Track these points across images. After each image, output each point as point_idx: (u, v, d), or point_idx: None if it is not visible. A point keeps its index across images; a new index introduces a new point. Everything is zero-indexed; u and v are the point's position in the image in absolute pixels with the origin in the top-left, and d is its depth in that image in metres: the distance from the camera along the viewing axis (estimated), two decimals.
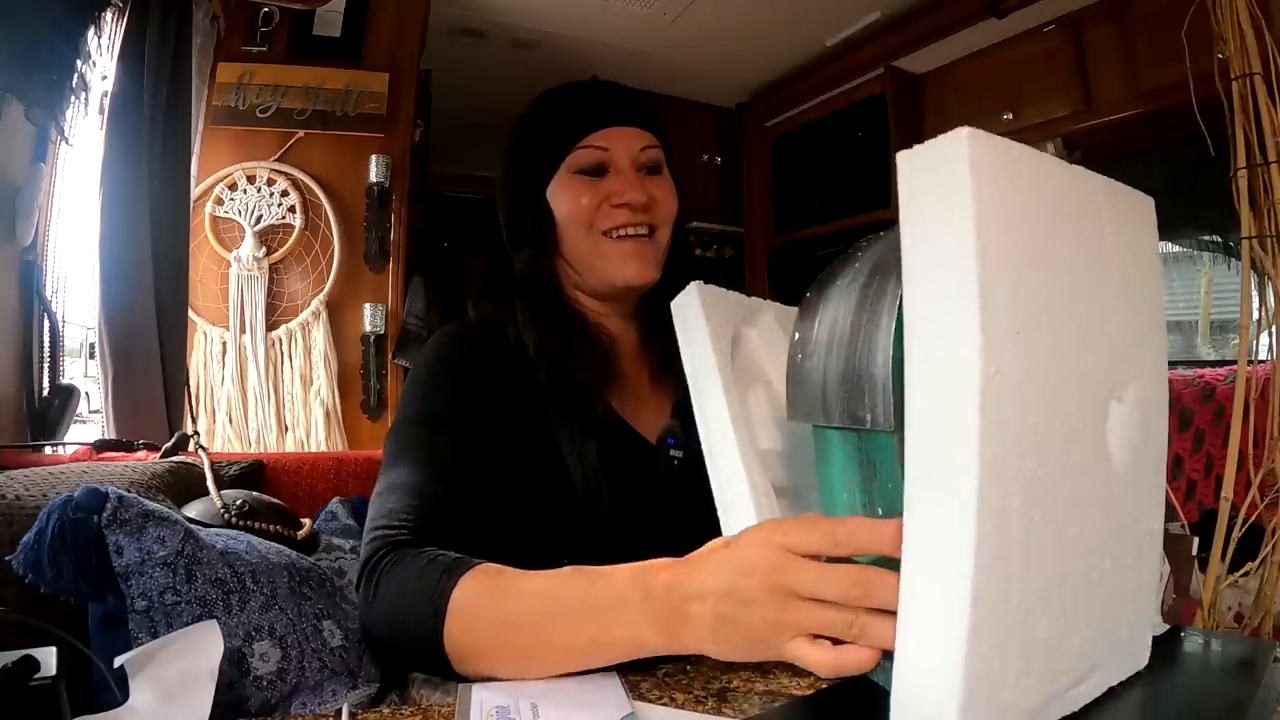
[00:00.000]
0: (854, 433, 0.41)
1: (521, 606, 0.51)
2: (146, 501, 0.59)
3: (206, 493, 0.90)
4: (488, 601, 0.52)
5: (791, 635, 0.40)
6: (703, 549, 0.46)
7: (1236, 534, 1.03)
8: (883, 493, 0.40)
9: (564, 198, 0.76)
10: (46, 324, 1.39)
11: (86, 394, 1.58)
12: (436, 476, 0.63)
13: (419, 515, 0.60)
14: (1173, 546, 0.53)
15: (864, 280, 0.42)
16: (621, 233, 0.75)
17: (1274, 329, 1.06)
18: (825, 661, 0.39)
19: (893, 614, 0.35)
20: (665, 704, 0.49)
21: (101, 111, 1.52)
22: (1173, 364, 2.00)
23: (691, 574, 0.45)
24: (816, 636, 0.39)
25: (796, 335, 0.45)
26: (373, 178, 2.07)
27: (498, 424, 0.68)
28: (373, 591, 0.56)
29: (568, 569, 0.52)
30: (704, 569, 0.44)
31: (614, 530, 0.67)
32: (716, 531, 0.50)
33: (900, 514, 0.35)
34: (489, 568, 0.54)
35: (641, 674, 0.53)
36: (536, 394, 0.71)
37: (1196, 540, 0.66)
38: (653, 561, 0.48)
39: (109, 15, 1.46)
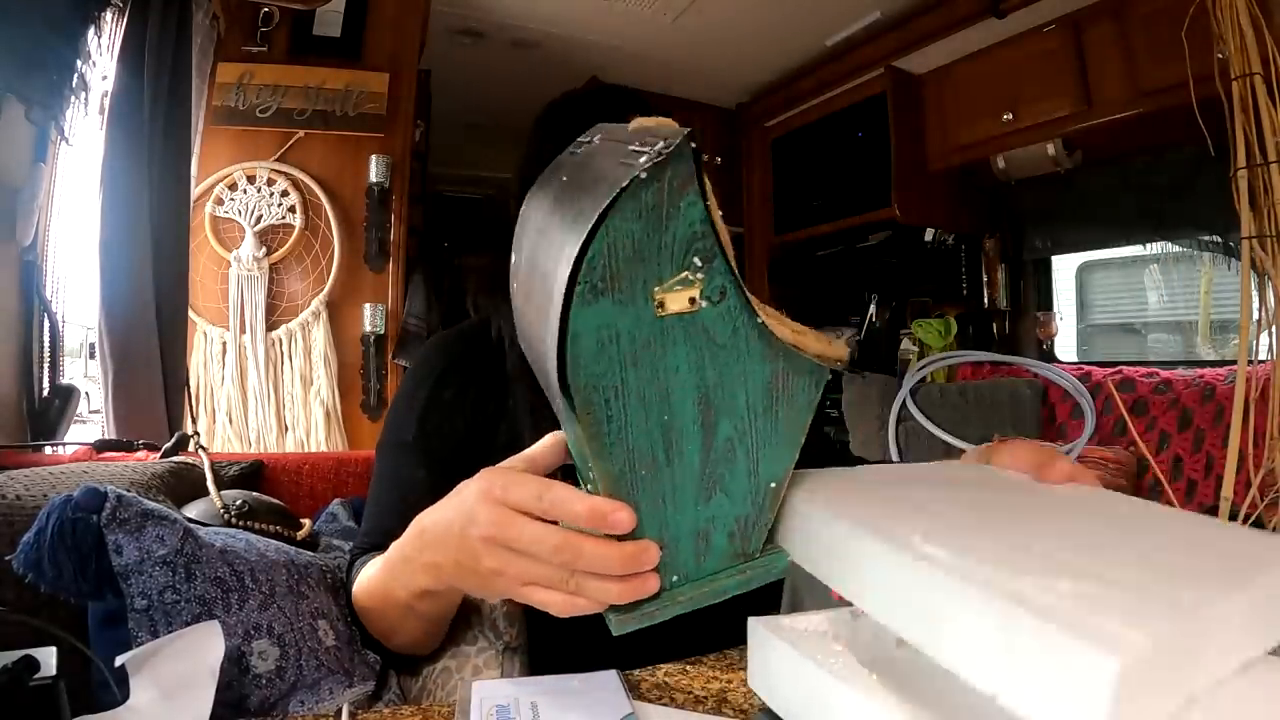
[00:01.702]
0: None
1: (359, 591, 0.62)
2: (146, 501, 0.59)
3: (206, 493, 0.90)
4: (358, 590, 0.63)
5: (520, 584, 0.42)
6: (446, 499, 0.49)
7: None
8: (584, 469, 0.40)
9: None
10: (46, 324, 1.39)
11: (86, 394, 1.58)
12: (403, 509, 0.68)
13: (377, 539, 0.67)
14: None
15: (561, 210, 0.36)
16: None
17: (1274, 329, 1.06)
18: (557, 606, 0.41)
19: (602, 575, 0.39)
20: (665, 704, 0.49)
21: (101, 111, 1.52)
22: (1173, 364, 2.00)
23: (430, 522, 0.49)
24: None
25: (513, 250, 0.42)
26: (373, 178, 2.07)
27: (462, 439, 0.72)
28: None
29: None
30: (440, 515, 0.48)
31: None
32: None
33: (606, 492, 0.37)
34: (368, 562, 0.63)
35: (641, 674, 0.53)
36: (508, 390, 0.74)
37: None
38: (410, 527, 0.53)
39: (109, 15, 1.46)
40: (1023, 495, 0.44)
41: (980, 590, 0.28)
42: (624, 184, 0.31)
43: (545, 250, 0.36)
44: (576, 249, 0.32)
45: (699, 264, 0.35)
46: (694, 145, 0.33)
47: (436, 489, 0.69)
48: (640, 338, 0.35)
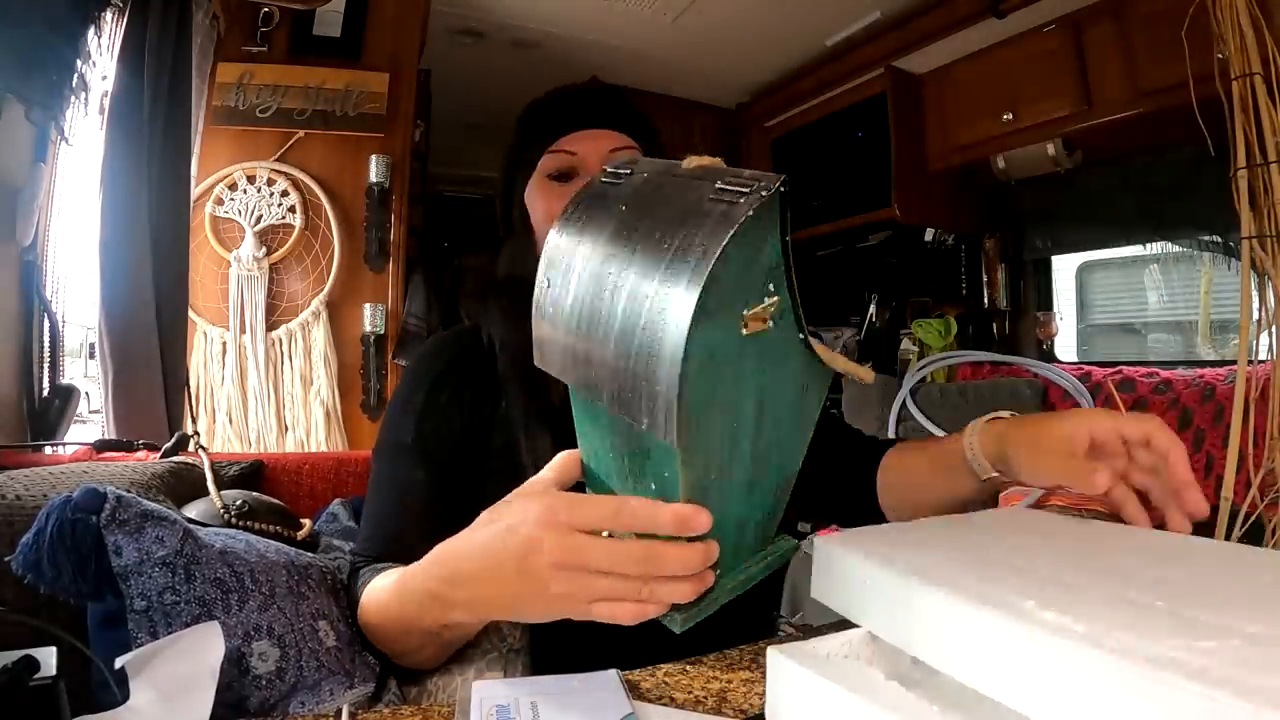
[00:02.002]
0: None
1: (370, 610, 0.62)
2: (145, 501, 0.59)
3: (206, 493, 0.90)
4: (368, 608, 0.63)
5: (589, 602, 0.43)
6: (473, 533, 0.48)
7: (1236, 534, 1.03)
8: (655, 476, 0.41)
9: (536, 202, 0.79)
10: (46, 324, 1.39)
11: (86, 394, 1.59)
12: (403, 513, 0.70)
13: (384, 547, 0.68)
14: None
15: (638, 237, 0.38)
16: None
17: (1274, 329, 1.06)
18: (627, 616, 0.42)
19: (673, 577, 0.41)
20: (665, 704, 0.49)
21: (101, 111, 1.52)
22: (1173, 364, 2.00)
23: (463, 558, 0.48)
24: None
25: (547, 276, 0.42)
26: (373, 178, 2.07)
27: (460, 440, 0.72)
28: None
29: (393, 579, 0.59)
30: (480, 550, 0.47)
31: None
32: None
33: (672, 498, 0.40)
34: (378, 574, 0.64)
35: (641, 674, 0.53)
36: (501, 392, 0.74)
37: None
38: (434, 562, 0.51)
39: (109, 15, 1.46)
40: (1087, 540, 0.45)
41: (1126, 661, 0.27)
42: (740, 220, 0.35)
43: (626, 276, 0.38)
44: (703, 276, 0.34)
45: (773, 290, 0.40)
46: (785, 190, 0.37)
47: (435, 490, 0.70)
48: (730, 355, 0.39)
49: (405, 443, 0.72)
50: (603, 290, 0.38)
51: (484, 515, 0.48)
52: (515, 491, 0.48)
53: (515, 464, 0.71)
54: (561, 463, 0.48)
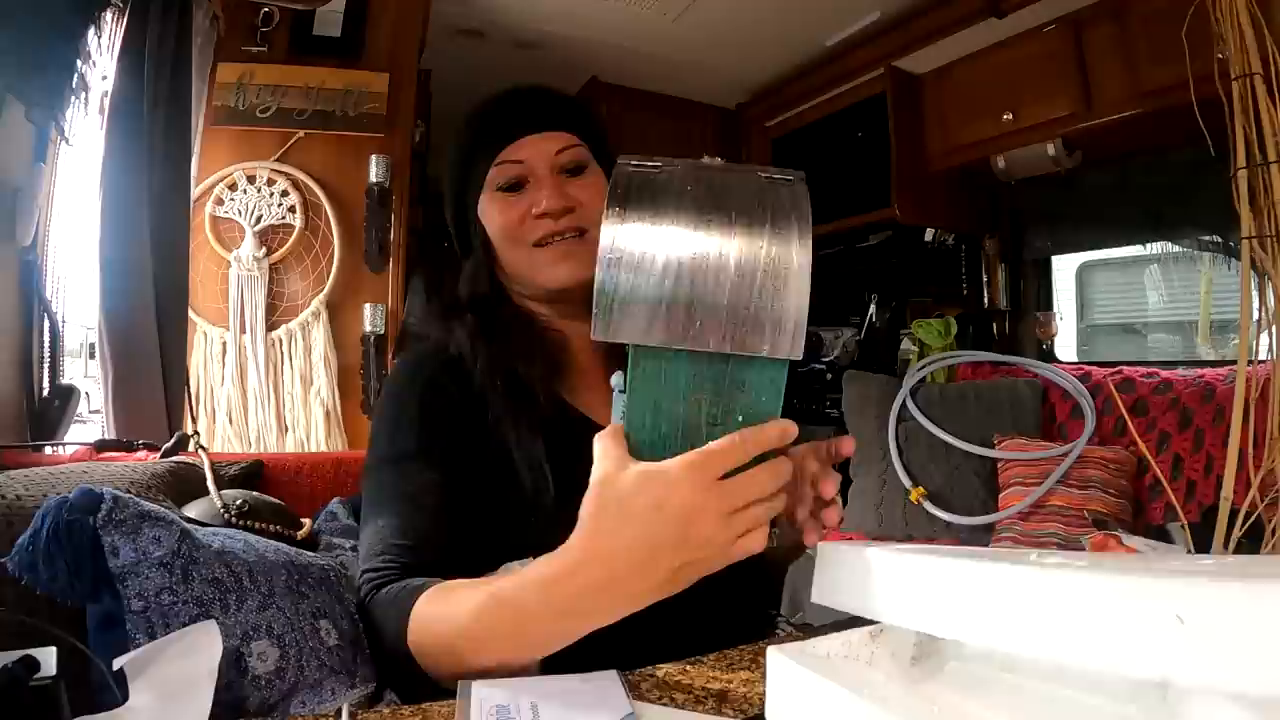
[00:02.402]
0: (714, 355, 0.46)
1: (443, 637, 0.56)
2: (142, 502, 0.59)
3: (206, 493, 0.90)
4: (434, 615, 0.57)
5: (734, 543, 0.45)
6: (598, 512, 0.47)
7: (1236, 534, 1.03)
8: (746, 407, 0.47)
9: (489, 217, 0.78)
10: (46, 324, 1.39)
11: (86, 394, 1.59)
12: (417, 515, 0.66)
13: (407, 554, 0.64)
14: None
15: (730, 208, 0.46)
16: (547, 241, 0.75)
17: (1274, 329, 1.06)
18: (760, 542, 0.46)
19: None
20: (665, 704, 0.49)
21: (101, 111, 1.52)
22: (1173, 364, 2.00)
23: (595, 566, 0.47)
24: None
25: (617, 251, 0.46)
26: (373, 178, 2.07)
27: (460, 444, 0.70)
28: (369, 625, 0.63)
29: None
30: (616, 551, 0.47)
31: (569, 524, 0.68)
32: None
33: (770, 415, 0.46)
34: (427, 591, 0.59)
35: (641, 674, 0.53)
36: (486, 406, 0.72)
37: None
38: (551, 582, 0.49)
39: (109, 15, 1.47)
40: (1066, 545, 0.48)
41: (1126, 575, 0.28)
42: (804, 200, 0.47)
43: (731, 239, 0.45)
44: (809, 230, 0.45)
45: None
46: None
47: (450, 490, 0.68)
48: None
49: (409, 450, 0.69)
50: (707, 253, 0.45)
51: (587, 521, 0.48)
52: (599, 481, 0.47)
53: (509, 471, 0.70)
54: (606, 444, 0.48)
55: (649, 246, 0.45)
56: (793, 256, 0.45)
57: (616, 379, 0.54)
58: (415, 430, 0.71)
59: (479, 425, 0.72)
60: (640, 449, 0.48)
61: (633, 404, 0.48)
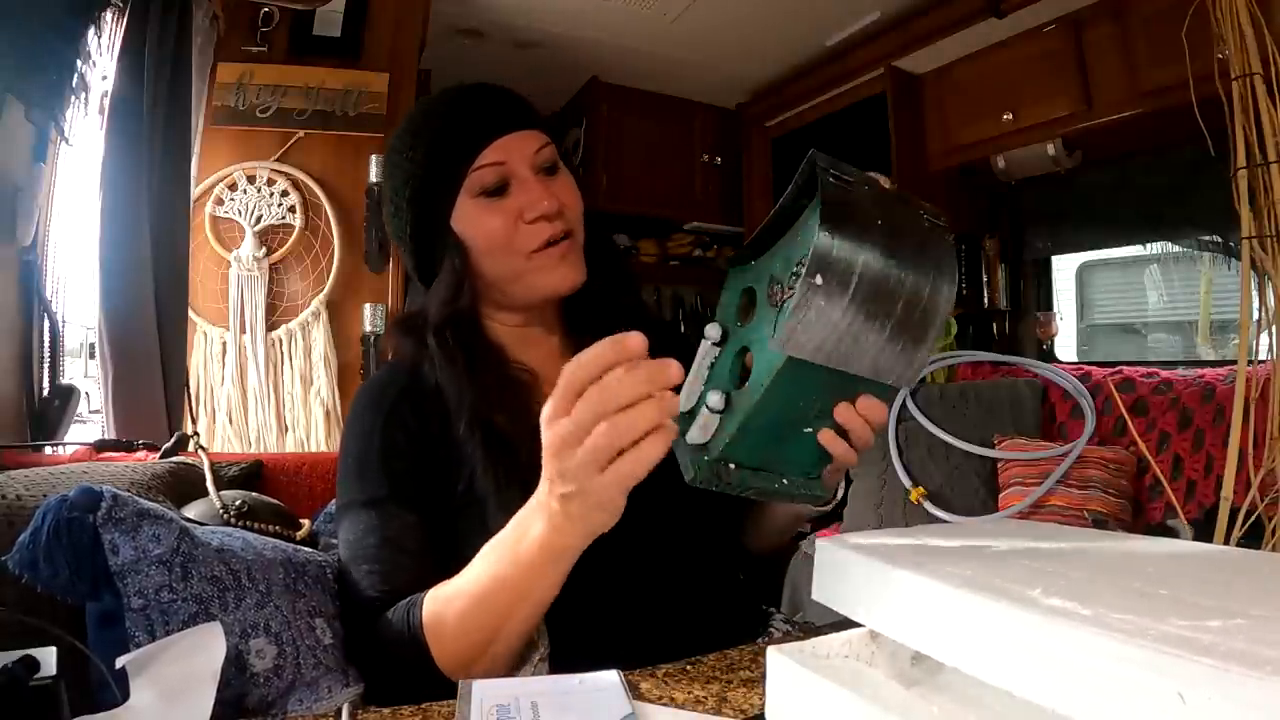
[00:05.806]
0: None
1: (461, 581, 0.58)
2: (142, 500, 0.59)
3: (206, 493, 0.90)
4: (441, 596, 0.59)
5: (642, 437, 0.44)
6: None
7: (1236, 533, 1.03)
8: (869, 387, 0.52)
9: (474, 225, 0.72)
10: (46, 324, 1.39)
11: (86, 394, 1.59)
12: (400, 553, 0.66)
13: (401, 590, 0.63)
14: None
15: (907, 248, 0.49)
16: (543, 246, 0.71)
17: (1274, 329, 1.06)
18: (664, 441, 0.45)
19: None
20: (665, 704, 0.49)
21: (101, 111, 1.52)
22: (1173, 364, 2.00)
23: (534, 521, 0.52)
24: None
25: (826, 268, 0.46)
26: (373, 178, 2.06)
27: (427, 484, 0.69)
28: (365, 659, 0.64)
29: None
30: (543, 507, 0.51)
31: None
32: (663, 547, 0.59)
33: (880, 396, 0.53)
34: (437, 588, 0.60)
35: (641, 674, 0.53)
36: (450, 439, 0.70)
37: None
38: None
39: (109, 15, 1.47)
40: (1085, 540, 0.48)
41: (1135, 639, 0.27)
42: (953, 253, 0.51)
43: (907, 273, 0.48)
44: (955, 272, 0.50)
45: None
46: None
47: (426, 528, 0.67)
48: None
49: (380, 495, 0.68)
50: (887, 289, 0.48)
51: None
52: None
53: (483, 515, 0.67)
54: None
55: (848, 270, 0.46)
56: (940, 306, 0.49)
57: (713, 330, 0.56)
58: (384, 474, 0.69)
59: (444, 460, 0.70)
60: (743, 435, 0.50)
61: (760, 403, 0.49)
